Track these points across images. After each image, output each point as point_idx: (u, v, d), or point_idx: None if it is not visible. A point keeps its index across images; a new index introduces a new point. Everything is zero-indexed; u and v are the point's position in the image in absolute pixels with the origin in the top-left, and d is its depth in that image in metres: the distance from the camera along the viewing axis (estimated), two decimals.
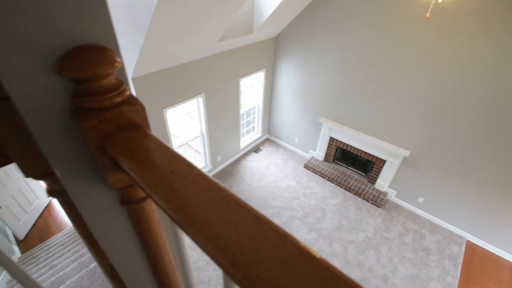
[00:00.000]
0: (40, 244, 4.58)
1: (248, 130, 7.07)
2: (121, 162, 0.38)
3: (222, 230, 0.27)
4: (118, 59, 0.40)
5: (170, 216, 0.31)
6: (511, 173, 4.07)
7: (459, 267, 4.52)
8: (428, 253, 4.71)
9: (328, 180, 6.12)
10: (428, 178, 5.01)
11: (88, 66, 0.37)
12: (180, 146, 5.17)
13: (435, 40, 3.93)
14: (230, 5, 3.38)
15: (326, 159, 6.48)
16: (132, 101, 0.43)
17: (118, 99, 0.41)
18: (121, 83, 0.42)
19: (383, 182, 5.63)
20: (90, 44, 0.39)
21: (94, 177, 0.48)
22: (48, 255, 3.87)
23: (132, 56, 3.35)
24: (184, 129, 7.31)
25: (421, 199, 5.29)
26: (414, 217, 5.38)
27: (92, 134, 0.39)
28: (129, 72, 3.62)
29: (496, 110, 3.84)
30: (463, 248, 4.84)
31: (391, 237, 4.96)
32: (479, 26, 3.53)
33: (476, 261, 4.67)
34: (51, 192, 0.58)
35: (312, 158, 6.60)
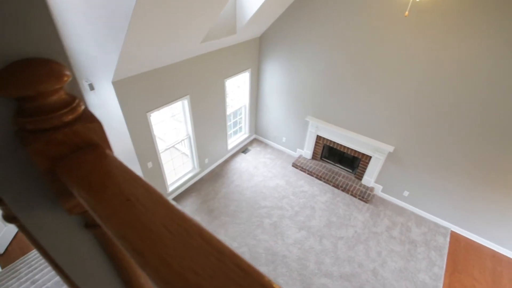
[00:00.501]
0: (22, 258, 4.36)
1: (235, 131, 7.01)
2: (73, 188, 0.33)
3: (179, 271, 0.24)
4: (67, 72, 0.36)
5: (126, 252, 0.27)
6: (490, 166, 4.23)
7: (445, 258, 4.65)
8: (415, 245, 4.82)
9: (316, 178, 6.16)
10: (412, 172, 5.14)
11: (29, 83, 0.32)
12: (167, 149, 5.06)
13: (415, 38, 4.01)
14: (211, 6, 3.32)
15: (314, 157, 6.52)
16: (88, 118, 0.39)
17: (70, 117, 0.36)
18: (73, 99, 0.38)
19: (369, 178, 5.73)
20: (31, 58, 0.34)
21: (49, 202, 0.43)
22: (29, 269, 3.70)
23: (112, 59, 3.24)
24: (170, 132, 7.17)
25: (406, 193, 5.41)
26: (401, 211, 5.50)
27: (39, 158, 0.35)
28: (109, 76, 3.50)
29: (475, 106, 3.97)
30: (448, 239, 5.00)
31: (379, 231, 5.05)
32: (456, 24, 3.63)
33: (460, 251, 4.82)
34: (6, 218, 0.52)
35: (300, 156, 6.63)
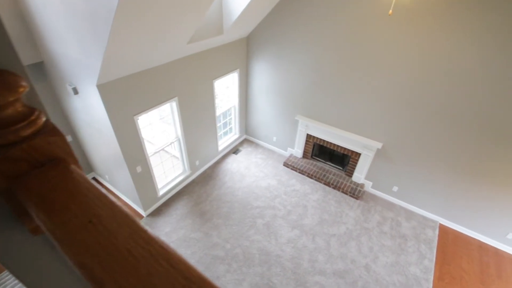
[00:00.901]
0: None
1: (225, 132, 6.97)
2: (30, 208, 0.31)
3: None
4: (23, 83, 0.33)
5: (85, 281, 0.25)
6: (475, 160, 4.34)
7: (434, 250, 4.76)
8: (405, 240, 4.91)
9: (307, 176, 6.19)
10: (400, 168, 5.23)
11: None
12: (156, 152, 4.97)
13: (399, 36, 4.08)
14: (197, 7, 3.27)
15: (305, 155, 6.55)
16: (49, 131, 0.36)
17: (28, 131, 0.34)
18: (32, 111, 0.35)
19: (359, 175, 5.80)
20: None
21: (10, 221, 0.40)
22: (15, 281, 3.57)
23: (95, 62, 3.15)
24: (159, 135, 7.06)
25: (395, 188, 5.51)
26: (390, 206, 5.59)
27: None
28: (93, 79, 3.41)
29: (460, 103, 4.06)
30: (437, 232, 5.11)
31: (370, 227, 5.12)
32: (440, 21, 3.70)
33: (449, 243, 4.94)
34: None
35: (291, 155, 6.65)
